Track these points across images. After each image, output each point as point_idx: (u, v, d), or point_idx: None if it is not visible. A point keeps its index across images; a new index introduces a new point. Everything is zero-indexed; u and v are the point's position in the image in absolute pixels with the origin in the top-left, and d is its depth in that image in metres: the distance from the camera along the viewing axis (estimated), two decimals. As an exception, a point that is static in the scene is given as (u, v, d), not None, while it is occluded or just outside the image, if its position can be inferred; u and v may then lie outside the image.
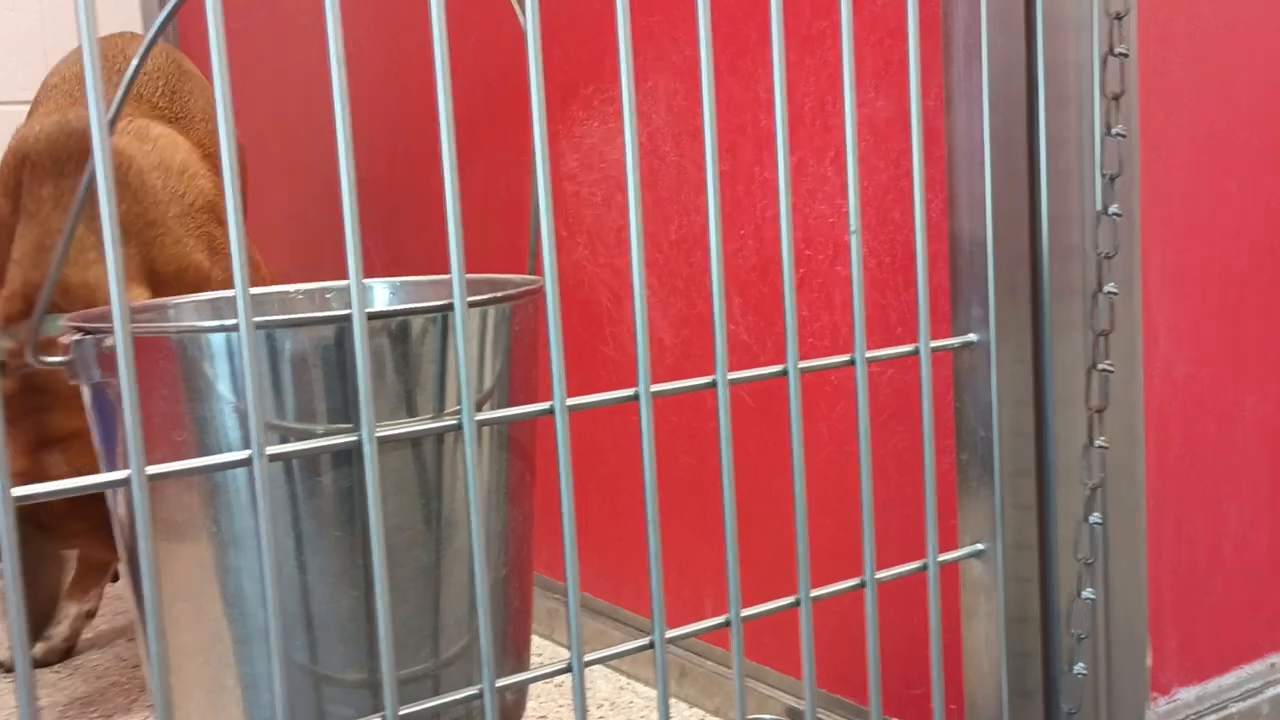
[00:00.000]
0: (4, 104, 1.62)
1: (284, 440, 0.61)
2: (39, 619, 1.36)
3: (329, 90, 0.57)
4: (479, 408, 0.67)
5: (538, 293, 0.71)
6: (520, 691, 0.78)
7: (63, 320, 0.66)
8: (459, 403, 0.62)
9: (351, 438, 0.59)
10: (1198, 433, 1.00)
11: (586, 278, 1.30)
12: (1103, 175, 0.85)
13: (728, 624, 0.73)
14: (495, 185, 1.41)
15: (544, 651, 1.39)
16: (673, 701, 1.22)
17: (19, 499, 0.49)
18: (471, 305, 0.66)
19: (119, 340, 0.52)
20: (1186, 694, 1.01)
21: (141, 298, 1.15)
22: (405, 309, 0.65)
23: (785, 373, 0.74)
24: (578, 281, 1.30)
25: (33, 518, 1.22)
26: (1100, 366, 0.86)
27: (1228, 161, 1.00)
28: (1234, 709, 1.02)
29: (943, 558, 0.83)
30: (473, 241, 1.45)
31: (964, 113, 0.84)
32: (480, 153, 1.41)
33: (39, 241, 1.12)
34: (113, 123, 0.60)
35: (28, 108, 1.59)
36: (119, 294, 0.52)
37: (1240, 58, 1.00)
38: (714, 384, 0.72)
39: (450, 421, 0.63)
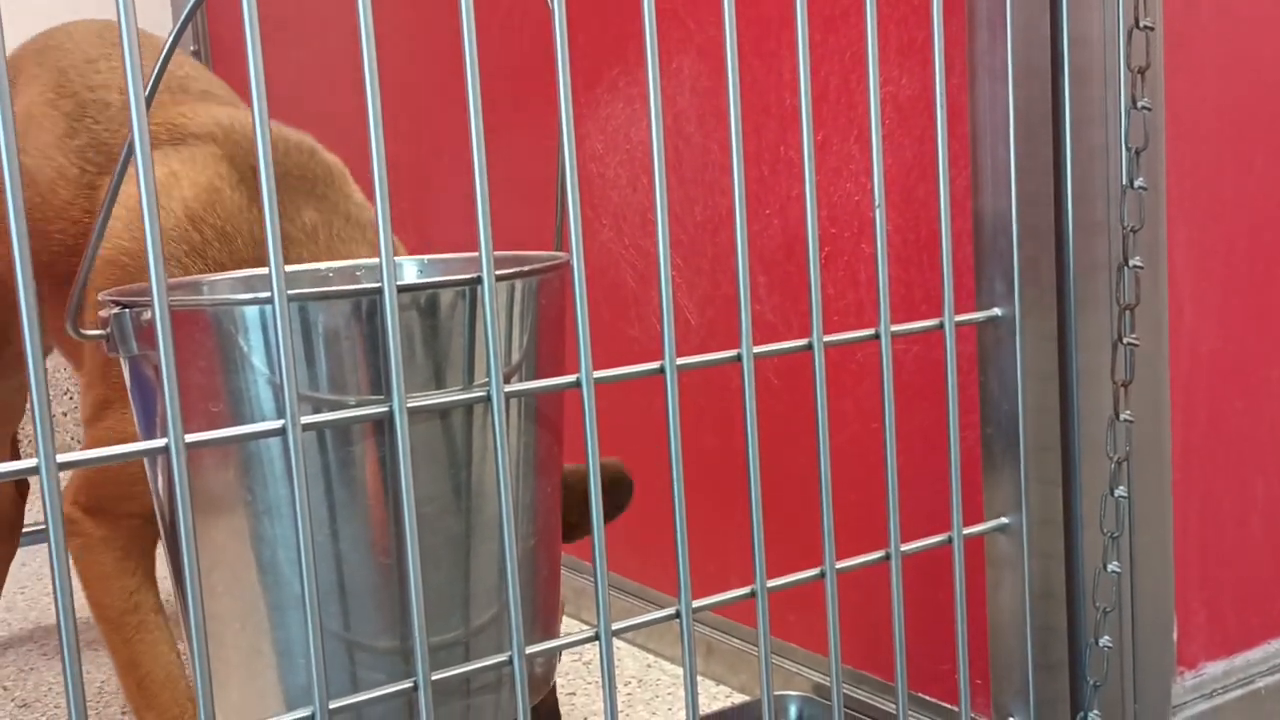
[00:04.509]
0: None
1: (317, 411, 0.62)
2: None
3: (357, 73, 0.59)
4: (507, 380, 0.68)
5: (564, 267, 0.72)
6: (549, 662, 0.79)
7: (103, 295, 0.68)
8: (487, 375, 0.63)
9: (383, 408, 0.60)
10: (1224, 407, 1.00)
11: (612, 259, 1.31)
12: (1128, 149, 0.85)
13: (753, 594, 0.73)
14: (519, 168, 1.42)
15: (572, 629, 1.40)
16: (699, 678, 1.23)
17: (64, 465, 0.51)
18: (499, 279, 0.67)
19: (157, 313, 0.53)
20: (1213, 668, 1.01)
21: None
22: (434, 282, 0.66)
23: (810, 346, 0.75)
24: (604, 264, 1.31)
25: None
26: (1126, 341, 0.86)
27: (1254, 134, 1.00)
28: (1261, 684, 1.02)
29: (967, 531, 0.83)
30: (498, 223, 1.46)
31: (988, 88, 0.84)
32: (505, 135, 1.42)
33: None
34: (149, 101, 0.61)
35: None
36: (157, 268, 0.53)
37: (1266, 30, 1.00)
38: (739, 358, 0.72)
39: (479, 393, 0.65)
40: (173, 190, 0.96)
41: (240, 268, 0.90)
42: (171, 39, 0.69)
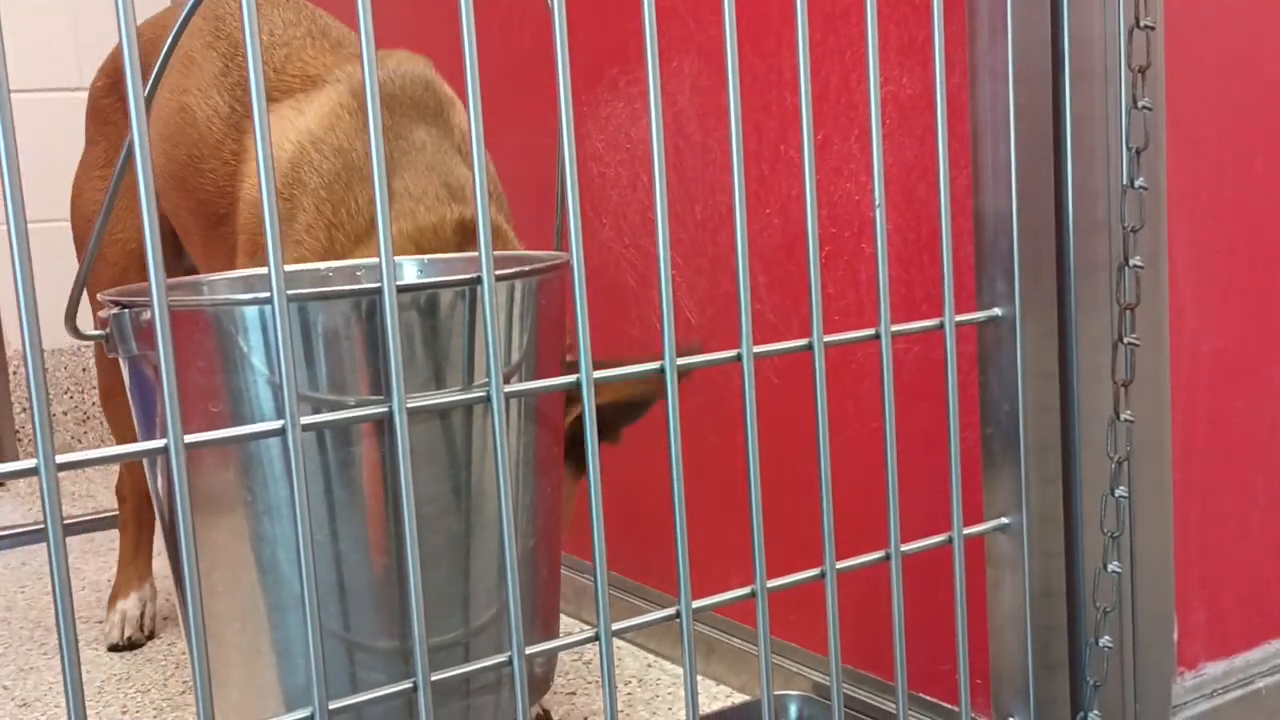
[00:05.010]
0: (38, 90, 1.63)
1: (317, 411, 0.62)
2: None
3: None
4: (507, 380, 0.68)
5: (563, 266, 0.72)
6: (549, 662, 0.79)
7: (103, 295, 0.67)
8: (487, 375, 0.63)
9: (383, 409, 0.60)
10: (1225, 407, 1.00)
11: (612, 259, 1.31)
12: (1128, 149, 0.85)
13: (753, 594, 0.73)
14: (519, 168, 1.42)
15: (572, 630, 1.40)
16: (700, 678, 1.23)
17: (63, 466, 0.51)
18: (499, 279, 0.67)
19: (156, 313, 0.53)
20: (1213, 669, 1.01)
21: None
22: (434, 282, 0.66)
23: (810, 346, 0.75)
24: (604, 263, 1.31)
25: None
26: (1126, 340, 0.86)
27: (1255, 134, 1.00)
28: (1261, 684, 1.02)
29: (968, 531, 0.83)
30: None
31: (989, 88, 0.84)
32: (505, 134, 1.42)
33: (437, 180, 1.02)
34: (149, 99, 0.61)
35: (57, 94, 1.58)
36: (156, 268, 0.53)
37: (1266, 30, 1.00)
38: (739, 357, 0.72)
39: (479, 394, 0.64)
40: (296, 121, 1.07)
41: (352, 178, 1.00)
42: (172, 38, 0.69)
